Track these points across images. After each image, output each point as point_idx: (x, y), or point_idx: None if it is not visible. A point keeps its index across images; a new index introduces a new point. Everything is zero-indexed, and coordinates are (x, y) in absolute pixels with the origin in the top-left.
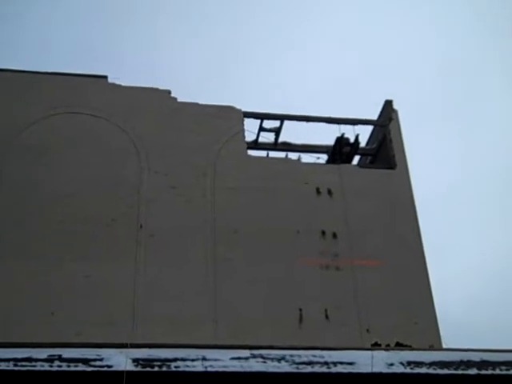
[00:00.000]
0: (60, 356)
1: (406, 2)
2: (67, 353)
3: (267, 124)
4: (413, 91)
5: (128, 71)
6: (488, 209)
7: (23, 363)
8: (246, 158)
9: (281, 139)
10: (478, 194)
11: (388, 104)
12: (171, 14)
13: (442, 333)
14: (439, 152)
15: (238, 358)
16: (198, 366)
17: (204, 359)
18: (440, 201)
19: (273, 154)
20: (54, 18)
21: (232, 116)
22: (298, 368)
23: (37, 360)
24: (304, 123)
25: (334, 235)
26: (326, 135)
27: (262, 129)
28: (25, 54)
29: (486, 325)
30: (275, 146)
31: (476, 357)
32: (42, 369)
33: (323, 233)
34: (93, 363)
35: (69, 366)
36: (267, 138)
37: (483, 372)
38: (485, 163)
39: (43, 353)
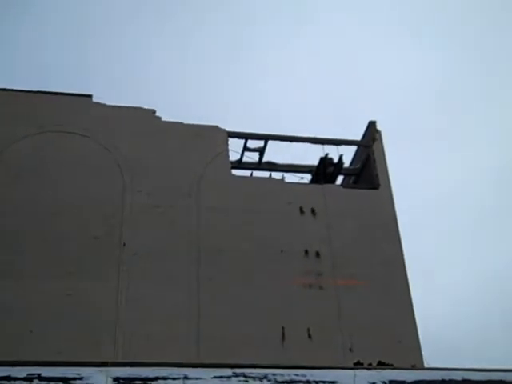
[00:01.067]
0: (39, 375)
1: (391, 20)
2: (46, 371)
3: (251, 144)
4: (397, 111)
5: (112, 90)
6: (473, 226)
7: (2, 382)
8: (230, 178)
9: (265, 159)
10: (465, 210)
11: (372, 125)
12: (157, 32)
13: (424, 352)
14: (423, 172)
15: (220, 377)
16: None
17: (186, 378)
18: (425, 218)
19: (257, 173)
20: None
21: (216, 136)
22: None
23: (16, 379)
24: (288, 143)
25: (318, 254)
26: (310, 155)
27: (246, 148)
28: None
29: (469, 340)
30: (259, 165)
31: (458, 376)
32: None
33: (306, 252)
34: (72, 382)
35: None
36: (251, 157)
37: None
38: (471, 179)
39: (22, 371)
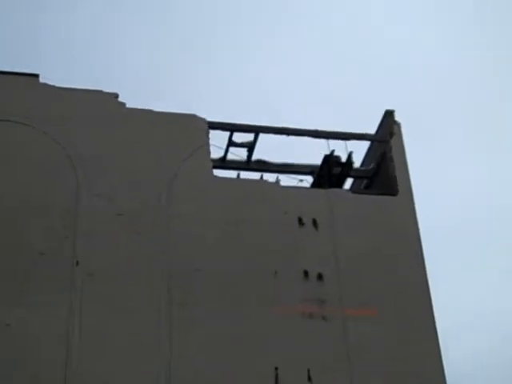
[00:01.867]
0: None
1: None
2: None
3: (238, 137)
4: (418, 99)
5: (65, 69)
6: (508, 241)
7: None
8: (210, 180)
9: (255, 156)
10: (498, 224)
11: (388, 115)
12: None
13: None
14: (452, 174)
15: None
16: None
17: None
18: (452, 232)
19: (245, 174)
20: None
21: (194, 126)
22: None
23: None
24: (284, 137)
25: (320, 276)
26: (312, 152)
27: (231, 143)
28: None
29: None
30: (248, 164)
31: None
32: None
33: (306, 274)
34: None
35: None
36: (238, 154)
37: None
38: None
39: None
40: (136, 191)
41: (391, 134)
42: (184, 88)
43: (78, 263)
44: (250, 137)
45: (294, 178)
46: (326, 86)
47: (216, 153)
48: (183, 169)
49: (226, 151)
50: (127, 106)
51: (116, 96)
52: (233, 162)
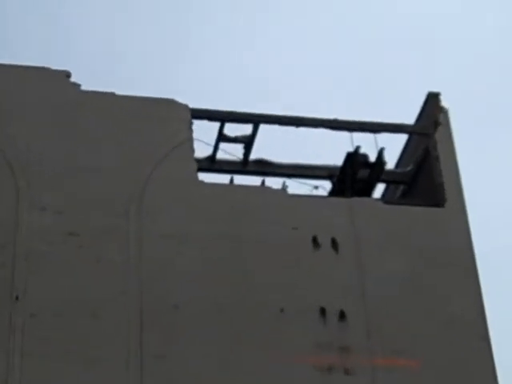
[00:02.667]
0: None
1: None
2: None
3: (232, 130)
4: (466, 81)
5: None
6: None
7: None
8: (195, 186)
9: (254, 155)
10: None
11: (433, 99)
12: None
13: None
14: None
15: None
16: None
17: None
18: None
19: (241, 179)
20: None
21: (173, 115)
22: None
23: None
24: (292, 129)
25: (342, 315)
26: (331, 150)
27: (222, 137)
28: None
29: None
30: (245, 165)
31: None
32: None
33: (323, 311)
34: None
35: None
36: (232, 152)
37: None
38: None
39: None
40: (95, 203)
41: (436, 125)
42: (165, 75)
43: (17, 298)
44: (247, 129)
45: (307, 184)
46: (346, 68)
47: (202, 150)
48: (158, 172)
49: (216, 148)
50: (82, 87)
51: (68, 75)
52: (225, 162)
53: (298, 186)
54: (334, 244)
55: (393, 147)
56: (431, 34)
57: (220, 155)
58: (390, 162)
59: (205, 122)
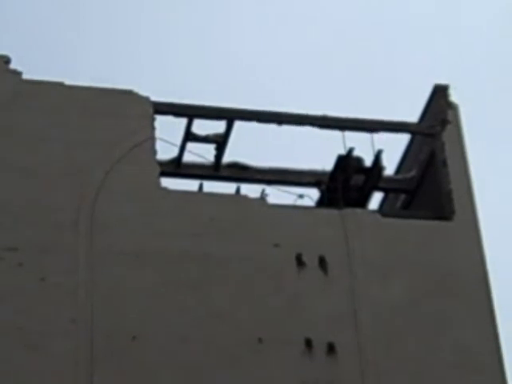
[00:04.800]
0: None
1: None
2: None
3: (202, 127)
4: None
5: None
6: None
7: None
8: (157, 194)
9: (228, 158)
10: None
11: (440, 93)
12: None
13: None
14: None
15: None
16: None
17: None
18: None
19: (212, 185)
20: None
21: (132, 109)
22: None
23: None
24: (274, 127)
25: (331, 348)
26: (319, 152)
27: (190, 136)
28: None
29: None
30: (217, 170)
31: None
32: None
33: (309, 343)
34: None
35: None
36: (201, 154)
37: None
38: None
39: None
40: (37, 213)
41: (444, 123)
42: (125, 64)
43: None
44: (219, 127)
45: (290, 193)
46: (338, 59)
47: (167, 151)
48: (113, 177)
49: (182, 149)
50: (24, 76)
51: (7, 60)
52: (193, 165)
53: (279, 195)
54: (323, 263)
55: (393, 149)
56: (437, 23)
57: (187, 157)
58: (389, 167)
59: (170, 118)
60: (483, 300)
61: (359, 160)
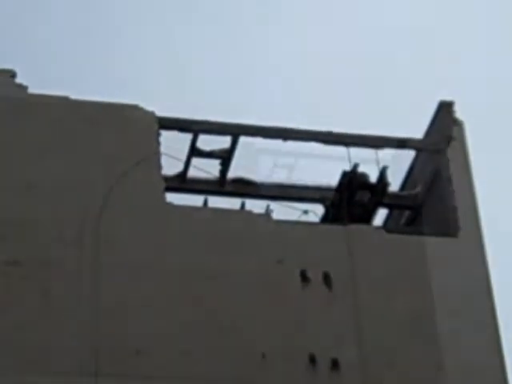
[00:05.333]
0: None
1: None
2: None
3: (207, 143)
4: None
5: None
6: None
7: None
8: (162, 209)
9: (233, 173)
10: None
11: (444, 109)
12: None
13: None
14: None
15: None
16: None
17: None
18: None
19: (217, 201)
20: None
21: (137, 124)
22: None
23: None
24: (280, 142)
25: (335, 364)
26: (323, 169)
27: (195, 151)
28: None
29: None
30: (221, 185)
31: None
32: None
33: (313, 359)
34: None
35: None
36: (206, 170)
37: None
38: None
39: None
40: (41, 228)
41: (449, 140)
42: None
43: None
44: (224, 142)
45: (295, 208)
46: (344, 75)
47: (172, 166)
48: (118, 192)
49: (187, 164)
50: (30, 90)
51: (13, 75)
52: (198, 180)
53: (284, 211)
54: (327, 280)
55: (398, 166)
56: (440, 38)
57: (192, 172)
58: (394, 184)
59: (175, 133)
60: (488, 318)
61: (364, 176)
